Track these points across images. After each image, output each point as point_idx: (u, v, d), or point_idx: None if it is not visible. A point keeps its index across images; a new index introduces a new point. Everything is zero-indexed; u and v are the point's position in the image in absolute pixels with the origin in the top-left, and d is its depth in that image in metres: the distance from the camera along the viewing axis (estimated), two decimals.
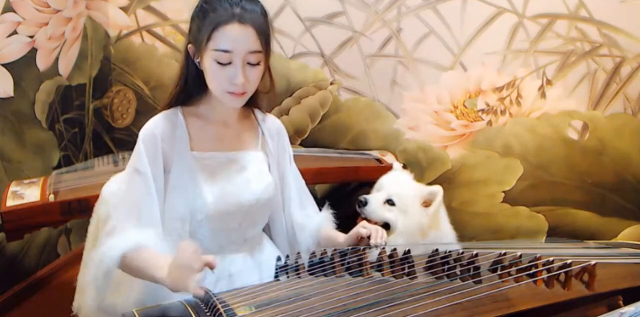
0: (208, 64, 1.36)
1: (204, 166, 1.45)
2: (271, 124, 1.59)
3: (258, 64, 1.37)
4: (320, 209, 1.66)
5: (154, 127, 1.43)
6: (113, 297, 1.38)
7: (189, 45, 1.41)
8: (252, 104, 1.51)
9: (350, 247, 1.41)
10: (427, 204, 1.83)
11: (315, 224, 1.60)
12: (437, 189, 1.83)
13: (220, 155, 1.47)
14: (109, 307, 1.38)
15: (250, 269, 1.51)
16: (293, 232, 1.62)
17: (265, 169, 1.53)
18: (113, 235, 1.36)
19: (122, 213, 1.39)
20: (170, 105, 1.47)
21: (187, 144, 1.44)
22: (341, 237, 1.53)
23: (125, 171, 1.44)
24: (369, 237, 1.46)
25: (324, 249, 1.40)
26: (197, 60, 1.40)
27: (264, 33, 1.36)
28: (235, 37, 1.33)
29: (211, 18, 1.33)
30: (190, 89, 1.45)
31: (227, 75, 1.35)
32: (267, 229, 1.64)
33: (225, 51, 1.33)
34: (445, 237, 1.85)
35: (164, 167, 1.42)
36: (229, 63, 1.34)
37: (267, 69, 1.42)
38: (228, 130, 1.50)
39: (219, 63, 1.34)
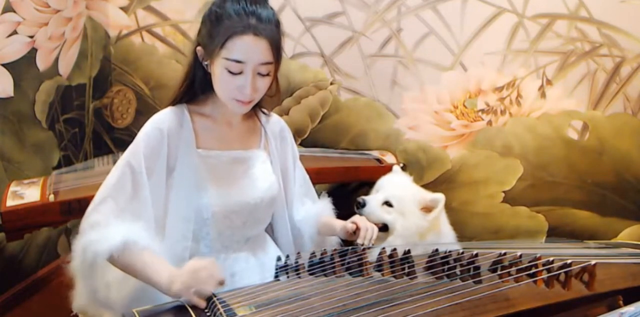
0: (218, 71, 1.36)
1: (209, 164, 1.45)
2: (274, 124, 1.60)
3: (268, 74, 1.37)
4: None
5: (160, 122, 1.42)
6: (106, 291, 1.36)
7: (198, 48, 1.41)
8: (257, 105, 1.51)
9: (350, 247, 1.42)
10: (427, 210, 1.83)
11: (314, 213, 1.62)
12: (440, 197, 1.82)
13: (224, 154, 1.48)
14: (102, 300, 1.36)
15: (252, 268, 1.51)
16: (296, 227, 1.63)
17: (268, 169, 1.54)
18: (97, 228, 1.33)
19: (108, 206, 1.36)
20: (174, 104, 1.47)
21: (193, 141, 1.44)
22: (338, 225, 1.56)
23: (118, 163, 1.41)
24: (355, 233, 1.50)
25: (324, 249, 1.41)
26: (206, 63, 1.40)
27: (277, 44, 1.36)
28: (249, 48, 1.33)
29: (226, 26, 1.33)
30: (196, 89, 1.46)
31: (236, 84, 1.35)
32: (269, 229, 1.65)
33: (238, 61, 1.33)
34: (445, 239, 1.85)
35: (167, 164, 1.42)
36: (240, 72, 1.34)
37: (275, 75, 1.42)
38: (232, 130, 1.51)
39: (229, 72, 1.34)
